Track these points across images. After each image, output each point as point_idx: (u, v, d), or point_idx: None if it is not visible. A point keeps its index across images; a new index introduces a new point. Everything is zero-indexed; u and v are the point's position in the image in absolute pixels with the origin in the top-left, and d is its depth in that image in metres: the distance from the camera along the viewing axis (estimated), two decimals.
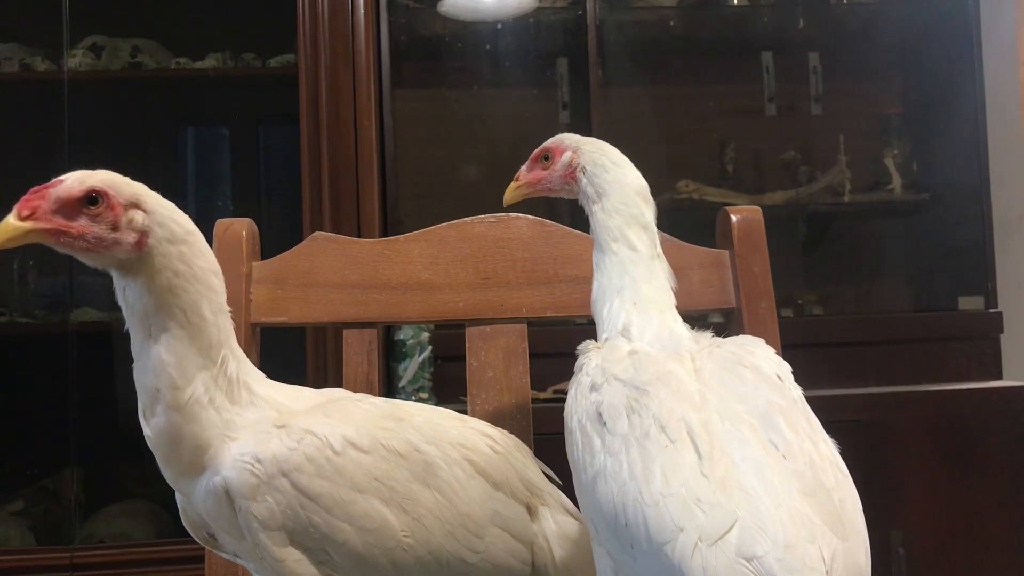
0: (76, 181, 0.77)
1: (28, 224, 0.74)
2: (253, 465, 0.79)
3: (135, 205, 0.78)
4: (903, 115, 3.03)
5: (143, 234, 0.78)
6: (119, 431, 2.65)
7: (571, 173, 0.97)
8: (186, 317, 0.79)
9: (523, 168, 1.02)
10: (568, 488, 0.85)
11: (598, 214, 0.93)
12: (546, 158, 0.99)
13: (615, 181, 0.93)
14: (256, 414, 0.83)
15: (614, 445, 0.75)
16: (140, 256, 0.78)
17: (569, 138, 0.99)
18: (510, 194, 1.02)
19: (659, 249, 0.93)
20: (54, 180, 0.77)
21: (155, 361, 0.79)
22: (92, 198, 0.76)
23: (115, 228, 0.77)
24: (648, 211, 0.93)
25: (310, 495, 0.80)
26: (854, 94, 3.08)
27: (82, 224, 0.76)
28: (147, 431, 0.80)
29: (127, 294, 0.79)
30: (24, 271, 2.66)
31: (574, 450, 0.80)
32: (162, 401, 0.79)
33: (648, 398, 0.76)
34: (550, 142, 1.00)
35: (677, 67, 3.09)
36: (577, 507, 0.86)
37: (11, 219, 0.74)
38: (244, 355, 0.86)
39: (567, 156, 0.97)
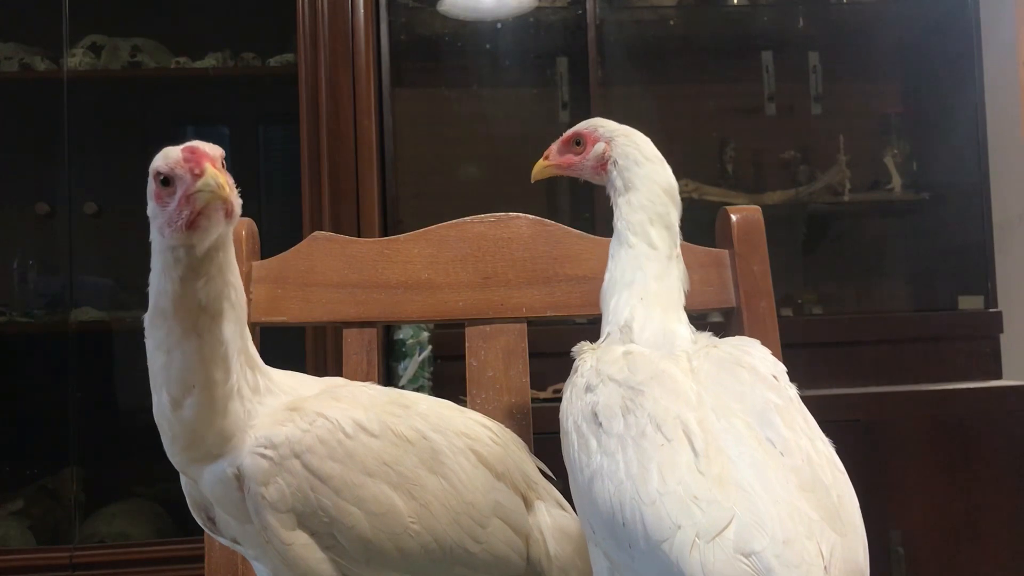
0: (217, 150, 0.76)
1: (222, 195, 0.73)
2: (267, 450, 0.80)
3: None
4: (903, 115, 3.03)
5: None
6: (119, 431, 2.65)
7: (603, 165, 0.96)
8: (236, 295, 0.79)
9: (553, 147, 1.01)
10: (566, 487, 0.85)
11: (623, 207, 0.93)
12: (577, 143, 0.98)
13: (646, 177, 0.93)
14: (272, 400, 0.83)
15: (610, 445, 0.75)
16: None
17: (603, 126, 0.97)
18: (538, 170, 1.02)
19: (678, 251, 0.92)
20: (195, 148, 0.74)
21: (193, 356, 0.77)
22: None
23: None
24: (674, 211, 0.93)
25: (321, 477, 0.80)
26: (854, 94, 3.08)
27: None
28: (173, 421, 0.79)
29: (191, 283, 0.76)
30: (24, 271, 2.66)
31: (570, 451, 0.80)
32: (195, 395, 0.78)
33: (643, 397, 0.76)
34: (583, 127, 0.99)
35: (677, 66, 3.09)
36: (572, 506, 0.86)
37: (212, 172, 0.73)
38: None
39: (600, 148, 0.96)
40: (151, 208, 0.77)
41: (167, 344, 0.78)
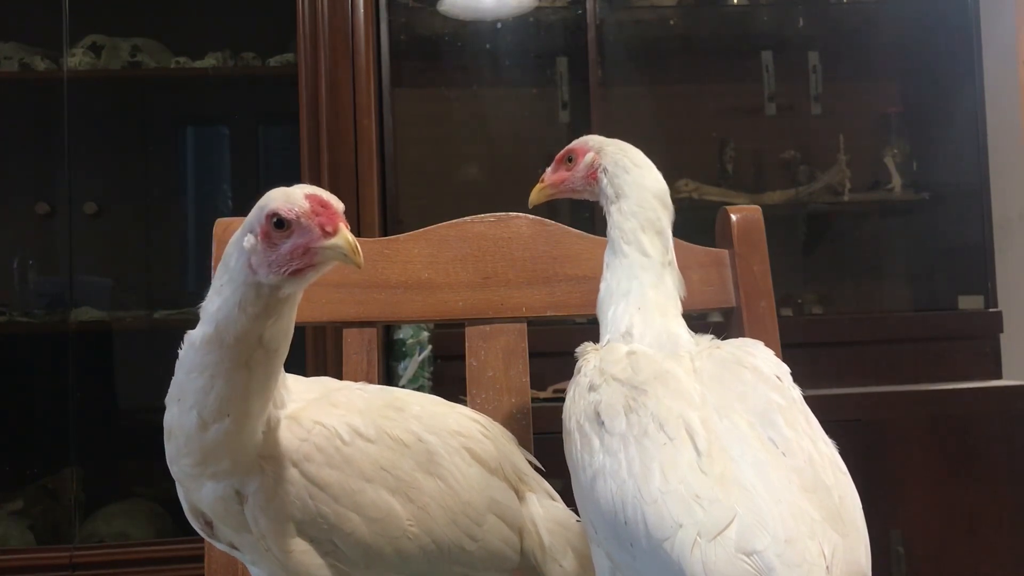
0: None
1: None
2: (265, 463, 0.79)
3: None
4: (903, 114, 3.03)
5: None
6: (119, 431, 2.65)
7: (592, 174, 0.97)
8: (291, 332, 0.78)
9: (548, 170, 1.02)
10: (566, 486, 0.85)
11: (615, 215, 0.93)
12: (570, 160, 0.99)
13: (634, 183, 0.93)
14: (283, 412, 0.83)
15: (612, 444, 0.75)
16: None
17: (593, 139, 0.99)
18: (535, 195, 1.03)
19: (671, 256, 0.92)
20: (326, 202, 0.75)
21: (238, 387, 0.75)
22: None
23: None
24: (665, 216, 0.93)
25: (319, 484, 0.80)
26: (854, 93, 3.08)
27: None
28: (192, 438, 0.77)
29: (262, 320, 0.75)
30: (24, 271, 2.66)
31: (573, 450, 0.80)
32: (227, 423, 0.76)
33: (646, 397, 0.77)
34: (575, 143, 1.00)
35: (677, 66, 3.10)
36: (571, 504, 0.87)
37: (347, 235, 0.74)
38: None
39: (589, 157, 0.97)
40: (251, 243, 0.75)
41: (213, 370, 0.75)
